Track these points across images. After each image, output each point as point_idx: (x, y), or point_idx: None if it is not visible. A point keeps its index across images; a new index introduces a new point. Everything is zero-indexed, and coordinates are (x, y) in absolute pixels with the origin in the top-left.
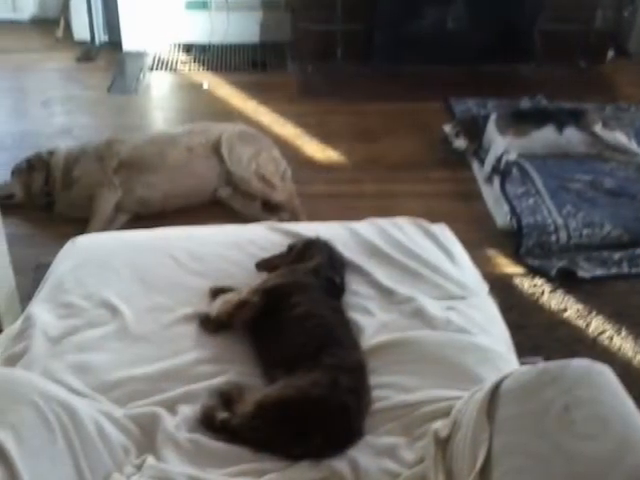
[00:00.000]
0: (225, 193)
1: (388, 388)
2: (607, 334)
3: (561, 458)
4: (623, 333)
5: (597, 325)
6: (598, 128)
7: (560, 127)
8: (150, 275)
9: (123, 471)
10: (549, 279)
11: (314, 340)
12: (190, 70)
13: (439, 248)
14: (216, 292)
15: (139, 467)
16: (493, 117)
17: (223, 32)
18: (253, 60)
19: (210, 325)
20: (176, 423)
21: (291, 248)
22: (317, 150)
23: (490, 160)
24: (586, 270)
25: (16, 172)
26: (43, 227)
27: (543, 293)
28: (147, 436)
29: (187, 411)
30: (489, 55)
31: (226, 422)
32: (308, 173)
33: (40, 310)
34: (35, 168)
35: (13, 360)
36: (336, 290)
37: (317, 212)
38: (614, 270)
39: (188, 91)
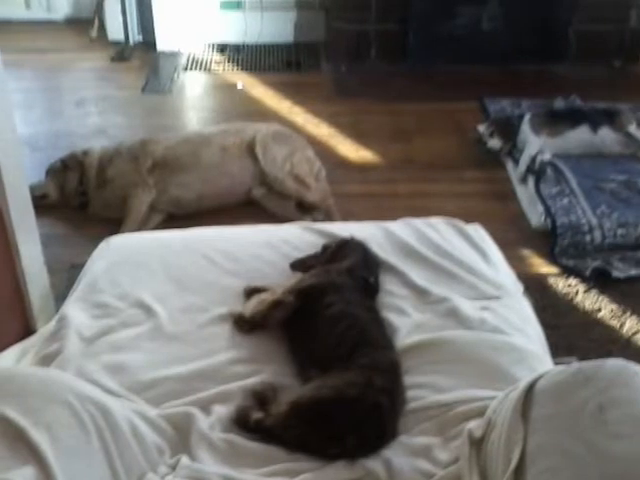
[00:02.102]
0: (259, 193)
1: (422, 388)
2: None
3: (595, 458)
4: None
5: (631, 325)
6: (632, 128)
7: (594, 127)
8: (184, 275)
9: (157, 471)
10: (583, 279)
11: (348, 340)
12: (224, 70)
13: (473, 248)
14: (250, 292)
15: (173, 467)
16: (527, 117)
17: (257, 32)
18: (287, 60)
19: (244, 325)
20: (210, 423)
21: (325, 248)
22: (351, 150)
23: (524, 160)
24: (620, 270)
25: (50, 172)
26: (77, 227)
27: (577, 293)
28: (181, 436)
29: (221, 411)
30: (523, 55)
31: (260, 422)
32: (342, 173)
33: (74, 310)
34: (69, 168)
35: (47, 360)
36: (370, 290)
37: (351, 212)
38: None
39: (222, 91)
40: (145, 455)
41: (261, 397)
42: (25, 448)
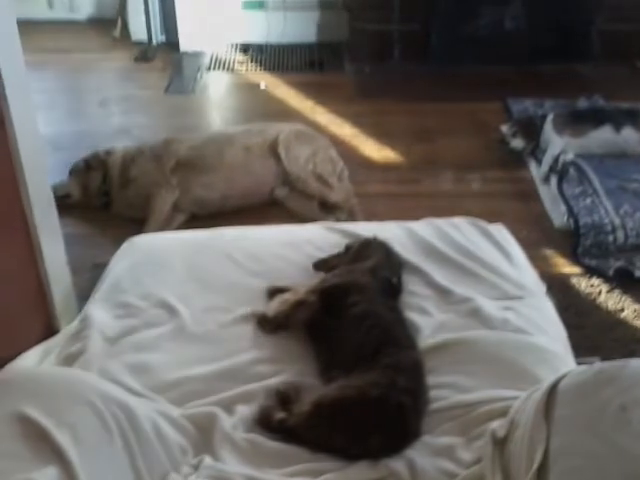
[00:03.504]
0: (282, 193)
1: (445, 388)
2: None
3: (618, 458)
4: None
5: None
6: None
7: (617, 127)
8: (207, 275)
9: (180, 471)
10: (606, 279)
11: (371, 340)
12: (247, 70)
13: (496, 248)
14: (273, 292)
15: (196, 467)
16: (550, 117)
17: (280, 32)
18: (310, 60)
19: (267, 325)
20: (233, 423)
21: (348, 248)
22: (374, 150)
23: (547, 160)
24: None
25: (74, 172)
26: (100, 227)
27: (600, 293)
28: (204, 436)
29: (244, 411)
30: (546, 55)
31: (283, 422)
32: (365, 173)
33: (97, 310)
34: (92, 168)
35: (70, 360)
36: (393, 290)
37: (374, 212)
38: None
39: (245, 91)
40: (168, 455)
41: (284, 397)
42: (48, 448)
